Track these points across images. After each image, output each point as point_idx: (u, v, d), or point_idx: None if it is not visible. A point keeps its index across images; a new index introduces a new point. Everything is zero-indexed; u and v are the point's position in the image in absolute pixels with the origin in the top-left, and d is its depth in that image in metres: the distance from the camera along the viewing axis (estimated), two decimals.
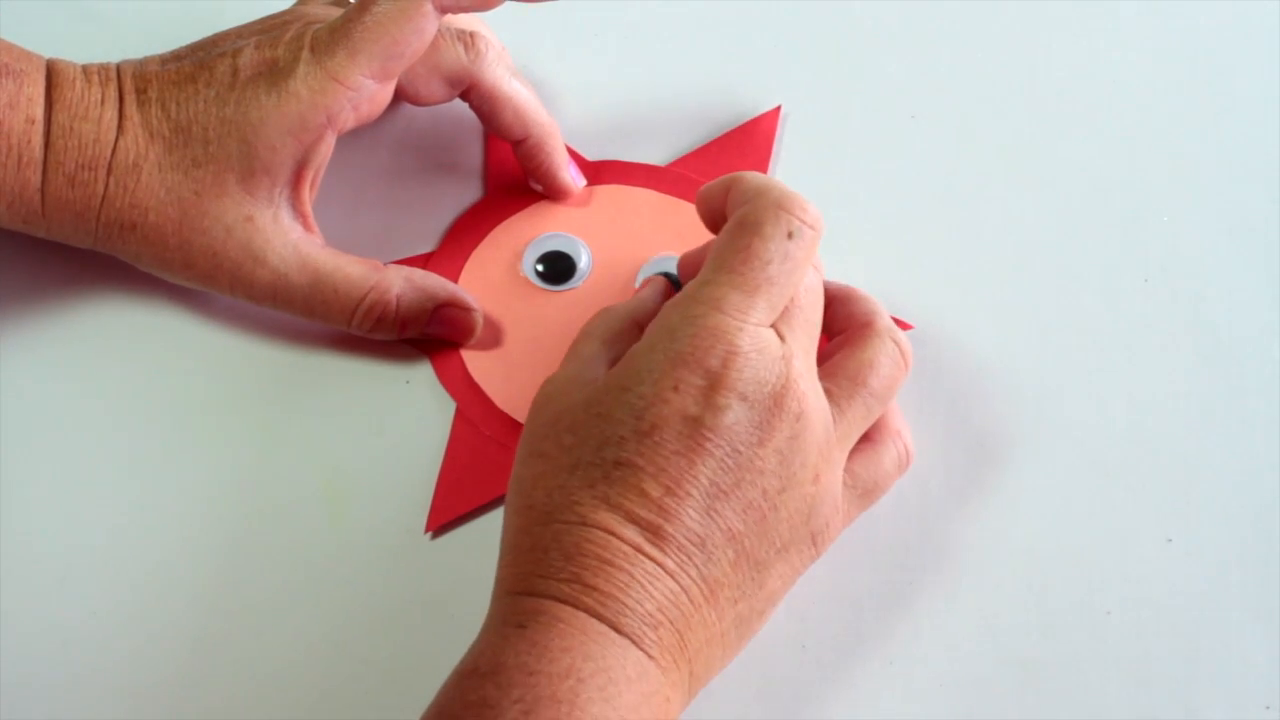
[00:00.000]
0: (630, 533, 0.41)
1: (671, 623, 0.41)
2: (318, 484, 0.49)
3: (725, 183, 0.46)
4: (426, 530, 0.48)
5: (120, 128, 0.48)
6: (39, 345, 0.51)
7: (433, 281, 0.51)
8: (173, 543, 0.48)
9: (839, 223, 0.49)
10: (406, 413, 0.51)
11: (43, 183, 0.48)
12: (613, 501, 0.41)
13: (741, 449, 0.41)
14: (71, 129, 0.47)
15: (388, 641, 0.47)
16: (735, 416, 0.41)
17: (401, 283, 0.50)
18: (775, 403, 0.42)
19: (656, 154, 0.56)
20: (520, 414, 0.50)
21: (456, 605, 0.47)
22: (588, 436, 0.42)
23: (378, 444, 0.50)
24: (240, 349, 0.51)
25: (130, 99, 0.48)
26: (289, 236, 0.49)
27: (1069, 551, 0.48)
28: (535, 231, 0.54)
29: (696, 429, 0.41)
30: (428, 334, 0.51)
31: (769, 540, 0.42)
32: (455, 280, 0.53)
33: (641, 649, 0.40)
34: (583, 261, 0.53)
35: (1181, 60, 0.60)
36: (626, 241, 0.54)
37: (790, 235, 0.43)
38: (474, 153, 0.56)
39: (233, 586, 0.47)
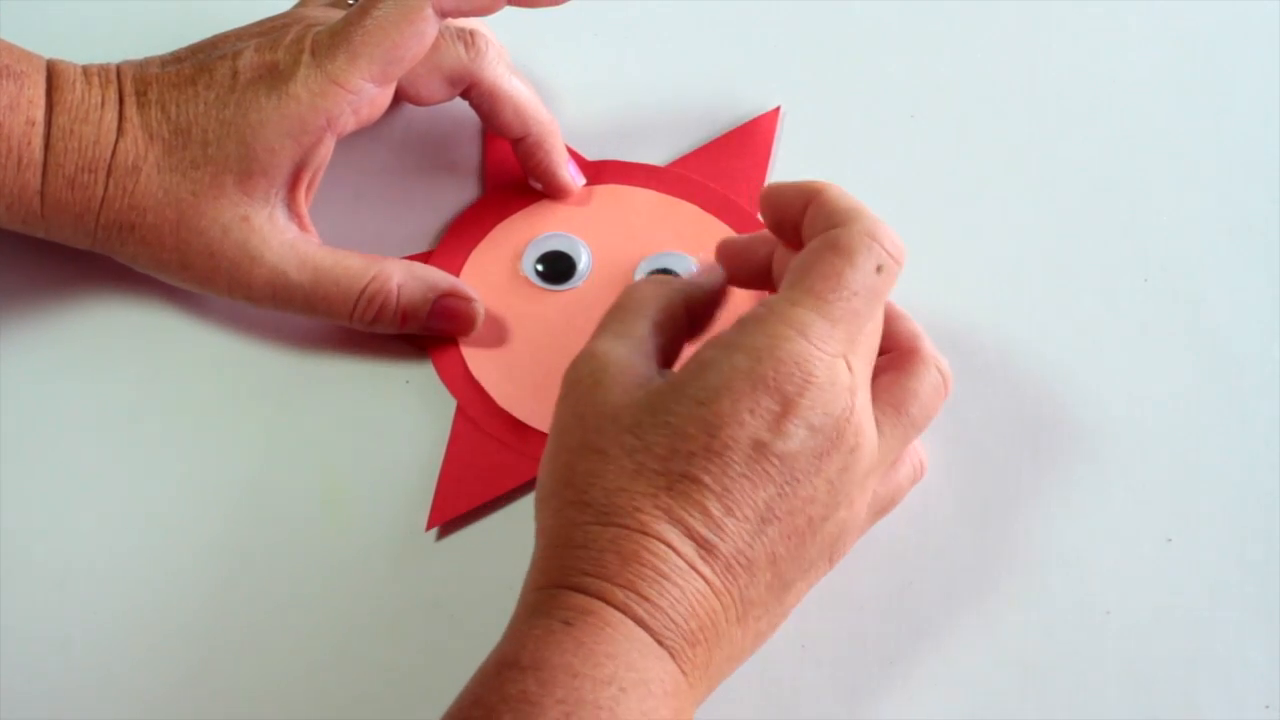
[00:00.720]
0: (687, 548, 0.40)
1: (706, 641, 0.40)
2: (318, 484, 0.49)
3: (805, 192, 0.45)
4: (427, 528, 0.48)
5: (120, 130, 0.48)
6: (39, 345, 0.51)
7: (433, 273, 0.51)
8: (172, 543, 0.48)
9: None
10: (407, 412, 0.51)
11: (42, 185, 0.47)
12: (674, 514, 0.40)
13: (800, 477, 0.41)
14: (72, 131, 0.47)
15: (387, 641, 0.47)
16: (800, 445, 0.41)
17: (402, 273, 0.50)
18: (837, 434, 0.41)
19: (656, 154, 0.56)
20: (520, 412, 0.50)
21: (458, 605, 0.47)
22: (653, 443, 0.41)
23: (378, 444, 0.50)
24: (239, 349, 0.51)
25: (130, 101, 0.48)
26: (285, 236, 0.49)
27: (1069, 551, 0.48)
28: (535, 231, 0.54)
29: (763, 453, 0.41)
30: (428, 327, 0.51)
31: (800, 563, 0.42)
32: None
33: (678, 664, 0.40)
34: (583, 261, 0.53)
35: (1181, 60, 0.60)
36: (626, 241, 0.54)
37: (879, 269, 0.42)
38: (473, 152, 0.56)
39: (232, 586, 0.47)
